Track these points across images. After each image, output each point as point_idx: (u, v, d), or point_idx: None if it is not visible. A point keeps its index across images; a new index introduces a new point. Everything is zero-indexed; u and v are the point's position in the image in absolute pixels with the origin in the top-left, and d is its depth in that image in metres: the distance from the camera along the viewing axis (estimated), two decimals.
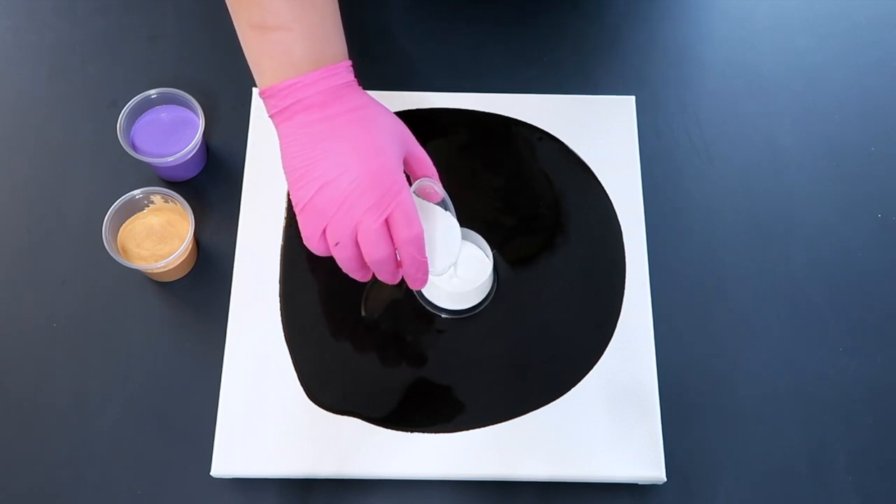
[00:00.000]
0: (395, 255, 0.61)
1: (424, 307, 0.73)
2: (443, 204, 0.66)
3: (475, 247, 0.73)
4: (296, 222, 0.75)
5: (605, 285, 0.74)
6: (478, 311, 0.73)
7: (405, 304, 0.74)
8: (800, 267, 0.78)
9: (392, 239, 0.59)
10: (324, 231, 0.60)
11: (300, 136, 0.59)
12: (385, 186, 0.58)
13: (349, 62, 0.62)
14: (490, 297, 0.74)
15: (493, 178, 0.78)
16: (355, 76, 0.62)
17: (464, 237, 0.73)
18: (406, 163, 0.63)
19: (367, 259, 0.60)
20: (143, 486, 0.69)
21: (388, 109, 0.63)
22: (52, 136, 0.81)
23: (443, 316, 0.73)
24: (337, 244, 0.60)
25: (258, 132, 0.79)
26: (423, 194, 0.65)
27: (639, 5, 0.89)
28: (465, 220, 0.73)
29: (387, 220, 0.58)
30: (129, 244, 0.74)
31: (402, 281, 0.64)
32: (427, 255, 0.61)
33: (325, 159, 0.58)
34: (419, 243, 0.59)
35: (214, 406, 0.70)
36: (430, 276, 0.64)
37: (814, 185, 0.81)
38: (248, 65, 0.85)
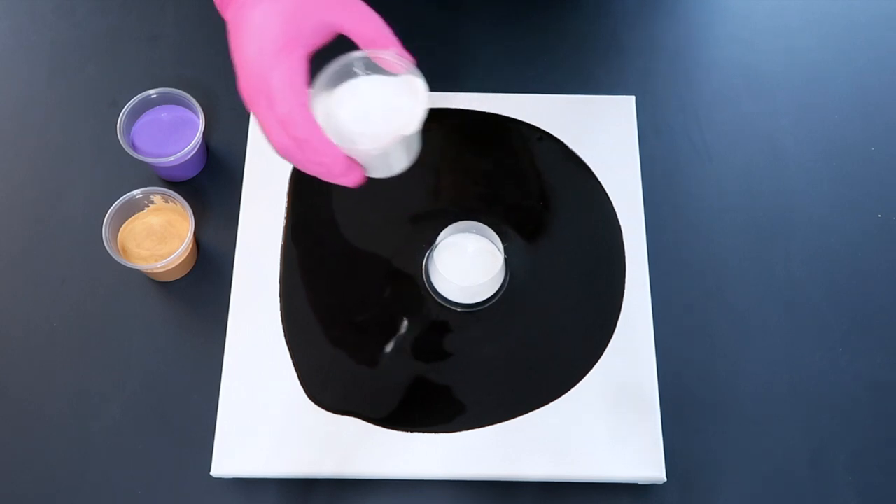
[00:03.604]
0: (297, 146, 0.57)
1: (437, 301, 0.73)
2: (410, 73, 0.59)
3: (486, 240, 0.74)
4: (296, 222, 0.76)
5: (605, 285, 0.74)
6: (490, 304, 0.73)
7: (406, 304, 0.74)
8: (799, 267, 0.78)
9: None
10: None
11: (229, 27, 0.59)
12: (262, 69, 0.56)
13: None
14: (503, 290, 0.74)
15: (492, 177, 0.78)
16: None
17: (475, 231, 0.73)
18: (349, 34, 0.59)
19: (283, 155, 0.58)
20: (143, 486, 0.70)
21: None
22: (52, 136, 0.81)
23: (457, 310, 0.73)
24: (264, 133, 0.59)
25: (258, 132, 0.79)
26: (386, 66, 0.60)
27: (639, 5, 0.88)
28: (465, 220, 0.74)
29: None
30: (129, 244, 0.74)
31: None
32: (377, 128, 0.58)
33: (235, 54, 0.58)
34: (295, 125, 0.56)
35: (214, 406, 0.70)
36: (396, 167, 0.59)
37: (814, 185, 0.81)
38: None
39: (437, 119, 0.80)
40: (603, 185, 0.78)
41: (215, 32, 0.85)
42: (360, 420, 0.70)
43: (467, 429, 0.70)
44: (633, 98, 0.81)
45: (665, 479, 0.69)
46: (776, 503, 0.70)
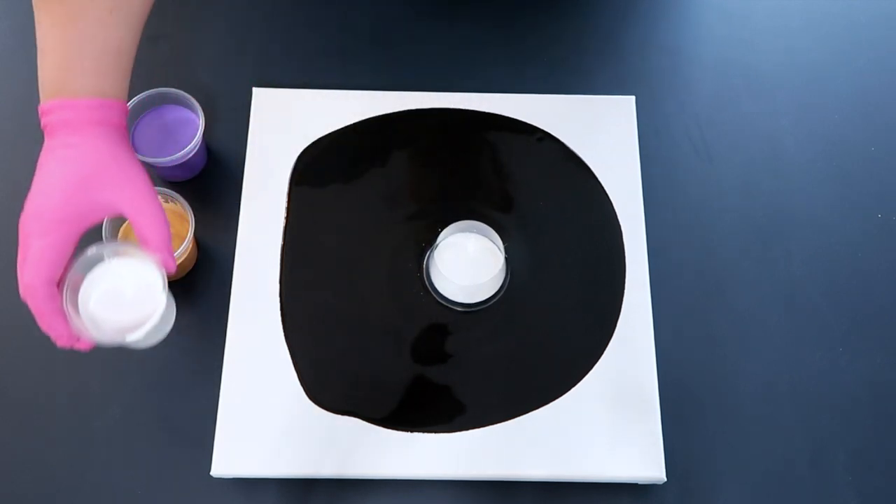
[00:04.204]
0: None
1: (437, 301, 0.73)
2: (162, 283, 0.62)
3: (487, 240, 0.74)
4: (296, 222, 0.76)
5: (605, 285, 0.74)
6: (490, 303, 0.73)
7: (406, 304, 0.74)
8: (799, 267, 0.78)
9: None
10: None
11: (39, 159, 0.60)
12: (29, 229, 0.58)
13: (98, 100, 0.60)
14: (503, 290, 0.74)
15: (492, 178, 0.78)
16: (117, 113, 0.61)
17: (476, 230, 0.74)
18: (132, 225, 0.61)
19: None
20: (143, 486, 0.70)
21: (114, 162, 0.59)
22: None
23: (457, 310, 0.73)
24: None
25: (258, 132, 0.79)
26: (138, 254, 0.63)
27: (639, 5, 0.89)
28: (466, 220, 0.74)
29: None
30: None
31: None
32: (111, 314, 0.62)
33: (30, 188, 0.59)
34: (26, 292, 0.58)
35: (214, 406, 0.70)
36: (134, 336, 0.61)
37: (814, 185, 0.81)
38: (248, 65, 0.85)
39: (437, 119, 0.80)
40: (603, 185, 0.78)
41: (215, 32, 0.86)
42: (360, 420, 0.70)
43: (467, 429, 0.70)
44: (633, 98, 0.81)
45: (665, 479, 0.69)
46: (776, 503, 0.70)
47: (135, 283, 0.63)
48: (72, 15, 0.58)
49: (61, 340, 0.60)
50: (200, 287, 0.76)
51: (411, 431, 0.69)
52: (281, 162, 0.78)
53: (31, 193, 0.59)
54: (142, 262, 0.63)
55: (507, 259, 0.73)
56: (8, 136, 0.81)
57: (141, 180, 0.61)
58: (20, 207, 0.78)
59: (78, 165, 0.59)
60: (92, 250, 0.62)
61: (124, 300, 0.62)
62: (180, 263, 0.74)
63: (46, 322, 0.59)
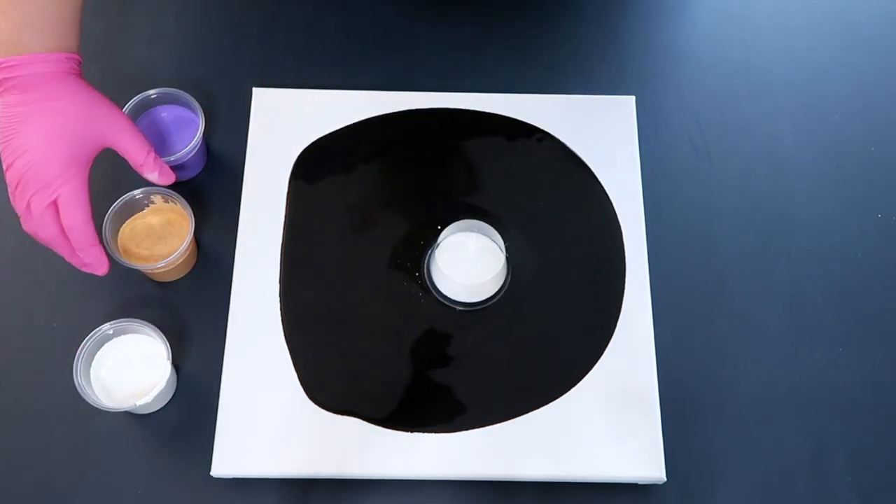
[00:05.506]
0: (65, 238, 0.66)
1: (438, 300, 0.73)
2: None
3: (488, 239, 0.74)
4: (296, 222, 0.76)
5: (605, 285, 0.74)
6: (491, 303, 0.73)
7: (406, 303, 0.74)
8: (800, 267, 0.78)
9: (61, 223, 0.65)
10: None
11: (5, 112, 0.64)
12: (51, 176, 0.64)
13: (64, 54, 0.65)
14: (504, 289, 0.74)
15: (492, 178, 0.78)
16: (77, 65, 0.66)
17: (477, 230, 0.74)
18: (120, 153, 0.69)
19: (37, 237, 0.66)
20: (143, 486, 0.70)
21: (94, 101, 0.66)
22: None
23: (458, 309, 0.73)
24: (23, 215, 0.66)
25: (258, 132, 0.79)
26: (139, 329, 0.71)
27: (639, 5, 0.89)
28: (467, 219, 0.74)
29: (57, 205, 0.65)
30: (129, 244, 0.74)
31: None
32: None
33: (13, 140, 0.64)
34: (80, 231, 0.65)
35: (214, 406, 0.70)
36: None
37: (814, 185, 0.81)
38: (248, 65, 0.85)
39: (437, 119, 0.80)
40: (603, 185, 0.78)
41: (215, 32, 0.86)
42: (360, 420, 0.70)
43: (467, 429, 0.70)
44: (633, 98, 0.81)
45: (665, 479, 0.69)
46: (776, 503, 0.70)
47: (142, 355, 0.71)
48: None
49: (102, 269, 0.68)
50: (200, 287, 0.76)
51: (411, 431, 0.69)
52: (281, 162, 0.78)
53: (26, 143, 0.63)
54: (147, 337, 0.71)
55: (507, 258, 0.73)
56: None
57: (115, 111, 0.68)
58: None
59: (74, 115, 0.65)
60: (105, 327, 0.70)
61: (133, 370, 0.70)
62: (180, 263, 0.74)
63: (90, 253, 0.67)
